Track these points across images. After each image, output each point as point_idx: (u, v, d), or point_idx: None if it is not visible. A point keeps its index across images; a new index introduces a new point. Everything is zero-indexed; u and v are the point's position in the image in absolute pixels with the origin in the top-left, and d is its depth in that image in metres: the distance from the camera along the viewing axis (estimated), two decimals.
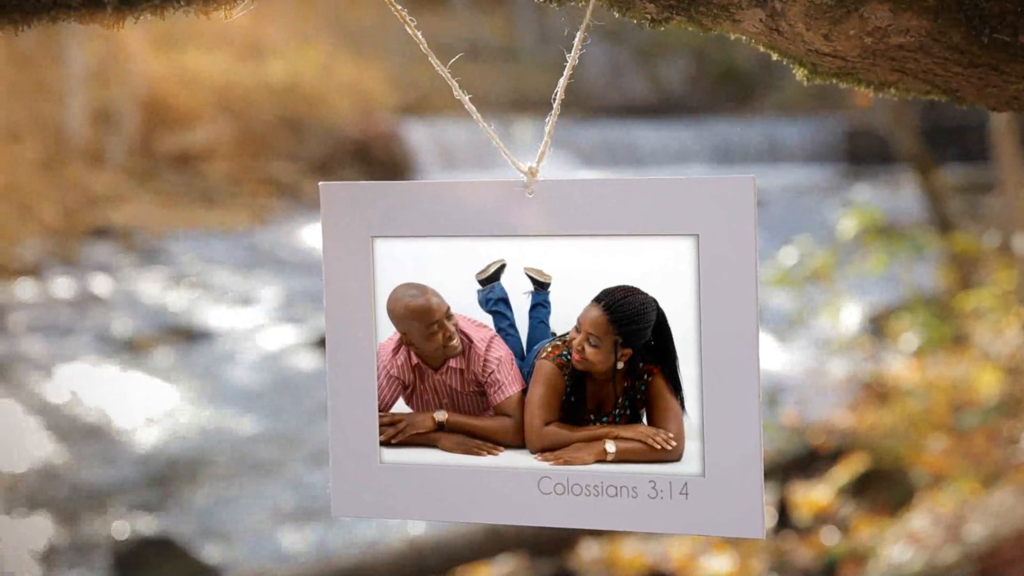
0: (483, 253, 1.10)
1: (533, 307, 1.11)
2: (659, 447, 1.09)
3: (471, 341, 1.13)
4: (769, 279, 7.10)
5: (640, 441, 1.09)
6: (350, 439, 1.15)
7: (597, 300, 1.08)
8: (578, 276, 1.09)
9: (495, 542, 5.82)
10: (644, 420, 1.10)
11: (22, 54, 21.01)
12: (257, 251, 16.58)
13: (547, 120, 1.09)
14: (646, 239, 1.06)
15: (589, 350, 1.09)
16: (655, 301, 1.07)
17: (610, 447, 1.10)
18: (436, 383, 1.14)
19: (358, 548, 6.42)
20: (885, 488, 6.17)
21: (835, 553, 5.62)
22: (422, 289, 1.12)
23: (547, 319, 1.11)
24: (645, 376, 1.09)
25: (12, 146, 19.21)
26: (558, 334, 1.11)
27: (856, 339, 7.52)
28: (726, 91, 26.15)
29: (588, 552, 6.01)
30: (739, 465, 1.06)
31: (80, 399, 9.83)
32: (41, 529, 6.98)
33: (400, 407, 1.15)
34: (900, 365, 7.17)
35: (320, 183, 1.12)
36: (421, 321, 1.12)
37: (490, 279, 1.11)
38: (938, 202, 8.58)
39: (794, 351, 9.64)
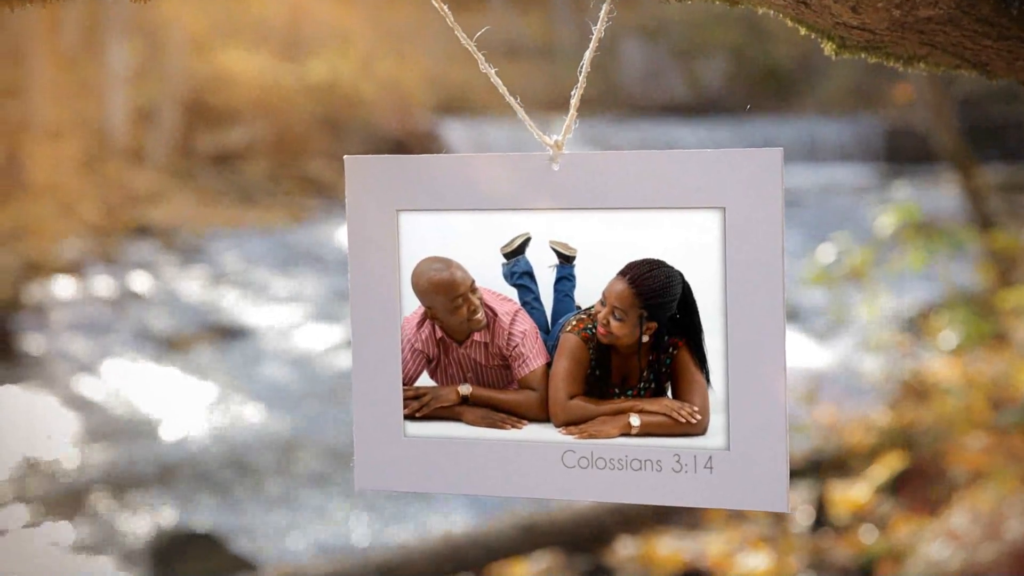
0: (508, 226, 1.10)
1: (558, 280, 1.11)
2: (684, 420, 1.08)
3: (495, 314, 1.13)
4: (806, 277, 7.06)
5: (665, 414, 1.09)
6: (374, 413, 1.15)
7: (622, 273, 1.08)
8: (603, 249, 1.08)
9: (531, 538, 5.82)
10: (669, 393, 1.10)
11: (64, 53, 21.19)
12: (296, 249, 16.64)
13: (573, 93, 1.09)
14: (672, 212, 1.06)
15: (614, 323, 1.09)
16: (681, 274, 1.07)
17: (635, 420, 1.10)
18: (460, 357, 1.14)
19: (394, 544, 6.43)
20: (924, 486, 6.13)
21: (873, 551, 5.58)
22: (447, 263, 1.12)
23: (572, 292, 1.11)
24: (670, 349, 1.09)
25: (53, 145, 19.37)
26: (583, 307, 1.11)
27: (894, 337, 7.47)
28: (765, 90, 26.03)
29: (624, 549, 5.99)
30: (764, 438, 1.06)
31: (119, 396, 9.90)
32: (79, 524, 7.04)
33: (424, 381, 1.15)
34: (939, 363, 7.12)
35: (345, 156, 1.12)
36: (445, 295, 1.12)
37: (515, 252, 1.11)
38: (978, 200, 8.50)
39: (832, 348, 9.59)
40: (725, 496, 1.07)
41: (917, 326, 7.82)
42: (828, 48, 1.12)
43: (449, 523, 6.89)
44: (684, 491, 1.08)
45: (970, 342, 6.67)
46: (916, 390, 6.95)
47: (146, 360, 11.10)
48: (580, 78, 1.08)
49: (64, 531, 6.95)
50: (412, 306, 1.14)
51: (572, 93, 1.09)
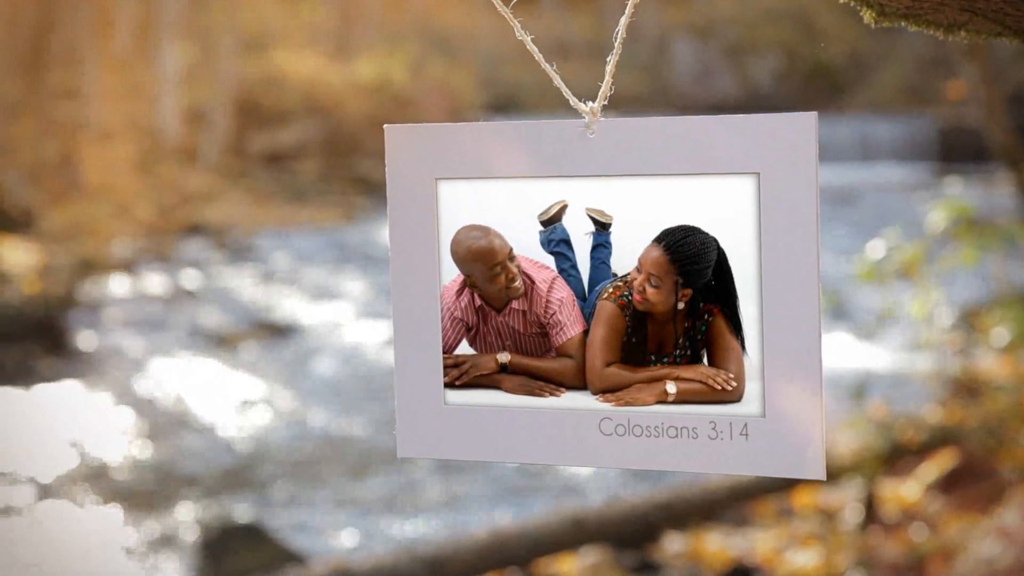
0: (545, 194, 1.10)
1: (594, 248, 1.11)
2: (719, 387, 1.08)
3: (533, 282, 1.13)
4: (857, 273, 7.01)
5: (700, 382, 1.09)
6: (415, 381, 1.15)
7: (658, 240, 1.08)
8: (639, 216, 1.08)
9: (579, 533, 5.80)
10: (704, 360, 1.10)
11: (117, 56, 21.40)
12: (346, 248, 16.73)
13: (608, 59, 1.09)
14: (707, 178, 1.06)
15: (650, 290, 1.09)
16: (715, 241, 1.07)
17: (671, 388, 1.10)
18: (499, 324, 1.15)
19: (440, 538, 6.45)
20: (974, 484, 6.08)
21: (923, 549, 5.54)
22: (485, 231, 1.12)
23: (608, 260, 1.11)
24: (705, 316, 1.09)
25: (108, 146, 19.58)
26: (619, 275, 1.11)
27: (946, 334, 7.40)
28: (816, 88, 25.86)
29: (672, 545, 5.98)
30: (799, 406, 1.05)
31: (170, 392, 9.99)
32: (130, 518, 7.11)
33: (464, 349, 1.16)
34: (990, 360, 7.05)
35: (385, 125, 1.13)
36: (484, 263, 1.13)
37: (552, 220, 1.11)
38: None
39: (882, 346, 9.52)
40: (760, 463, 1.07)
41: (968, 323, 7.74)
42: (867, 16, 1.11)
43: (497, 517, 6.90)
44: (719, 458, 1.08)
45: (1022, 339, 6.60)
46: (967, 388, 6.89)
47: (197, 357, 11.20)
48: (616, 44, 1.08)
49: (115, 525, 7.02)
50: (451, 274, 1.14)
51: (608, 59, 1.09)
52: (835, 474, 6.17)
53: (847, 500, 6.21)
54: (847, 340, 10.11)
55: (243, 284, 14.53)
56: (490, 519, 6.89)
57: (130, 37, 22.28)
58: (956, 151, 21.40)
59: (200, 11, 23.21)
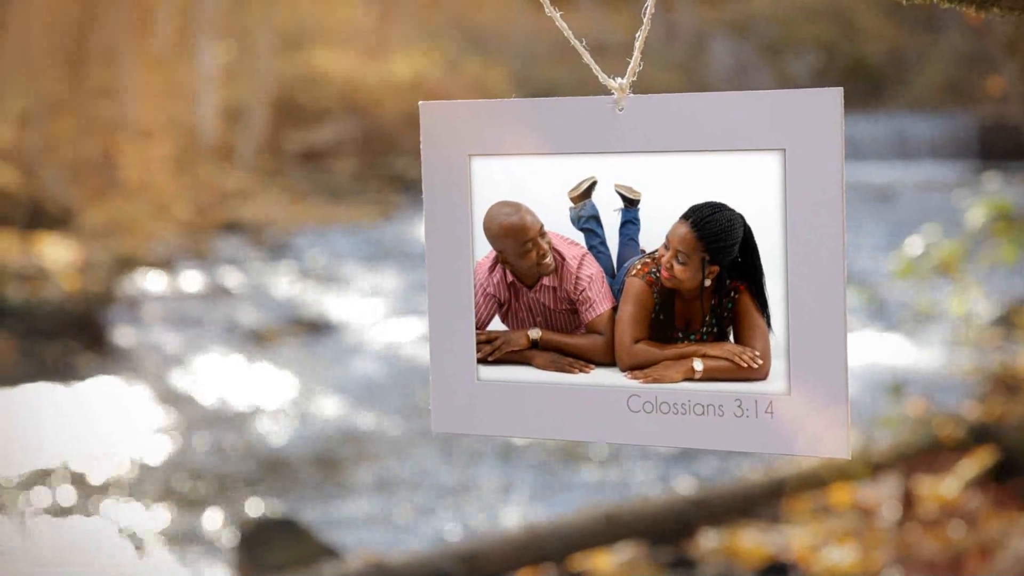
0: (575, 170, 1.11)
1: (623, 224, 1.12)
2: (745, 365, 1.09)
3: (563, 259, 1.14)
4: (895, 269, 6.97)
5: (727, 359, 1.09)
6: (449, 357, 1.17)
7: (685, 217, 1.09)
8: (667, 193, 1.09)
9: (614, 529, 5.80)
10: (731, 338, 1.10)
11: (156, 55, 21.55)
12: (382, 246, 16.79)
13: (637, 35, 1.10)
14: (734, 154, 1.06)
15: (677, 267, 1.09)
16: (742, 217, 1.07)
17: (698, 365, 1.10)
18: (530, 301, 1.16)
19: (477, 533, 6.46)
20: (1014, 481, 6.04)
21: (961, 546, 5.51)
22: (516, 207, 1.13)
23: (637, 236, 1.12)
24: (732, 293, 1.09)
25: (146, 145, 19.71)
26: (647, 251, 1.12)
27: (985, 330, 7.36)
28: (855, 85, 25.72)
29: (707, 541, 5.97)
30: (825, 384, 1.05)
31: (207, 388, 10.06)
32: (168, 513, 7.16)
33: (496, 325, 1.17)
34: None
35: (420, 102, 1.15)
36: (516, 239, 1.13)
37: (582, 196, 1.11)
38: None
39: (922, 343, 9.46)
40: (786, 441, 1.07)
41: (1008, 320, 7.69)
42: None
43: (532, 513, 6.91)
44: (745, 436, 1.08)
45: None
46: (1006, 384, 6.84)
47: (234, 353, 11.26)
48: (644, 20, 1.09)
49: (153, 520, 7.07)
50: (484, 251, 1.16)
51: (636, 35, 1.10)
52: (873, 471, 6.14)
53: (884, 497, 6.18)
54: (886, 337, 10.06)
55: (280, 282, 14.61)
56: (525, 515, 6.90)
57: (169, 36, 22.43)
58: (996, 148, 21.24)
59: (239, 10, 23.34)
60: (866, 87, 25.60)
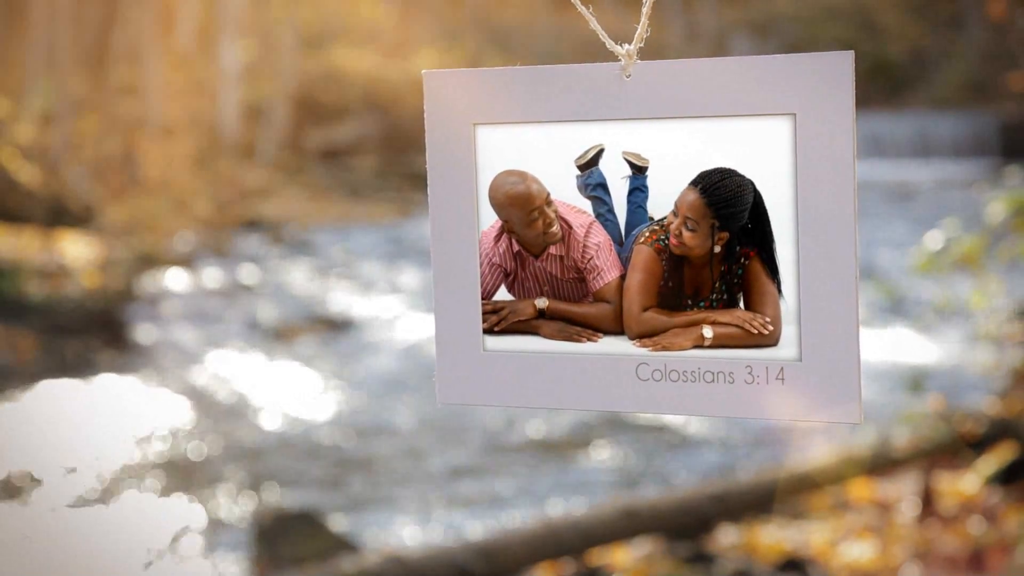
0: (582, 138, 1.10)
1: (631, 192, 1.10)
2: (756, 331, 1.07)
3: (570, 227, 1.12)
4: (915, 264, 6.94)
5: (737, 326, 1.08)
6: (455, 327, 1.16)
7: (694, 183, 1.07)
8: (675, 159, 1.07)
9: (632, 524, 5.79)
10: (741, 304, 1.09)
11: (178, 53, 21.62)
12: (402, 243, 16.81)
13: (645, 1, 1.09)
14: (743, 120, 1.05)
15: (686, 234, 1.08)
16: (752, 183, 1.06)
17: (707, 332, 1.09)
18: (537, 270, 1.14)
19: (494, 528, 6.46)
20: None
21: (981, 542, 5.48)
22: (522, 176, 1.12)
23: (645, 204, 1.10)
24: (742, 260, 1.08)
25: (168, 142, 19.78)
26: (656, 218, 1.11)
27: (1005, 325, 7.32)
28: (877, 84, 25.65)
29: (726, 537, 5.95)
30: (836, 349, 1.04)
31: (227, 384, 10.08)
32: (189, 507, 7.18)
33: (502, 295, 1.15)
34: None
35: (424, 71, 1.14)
36: (522, 208, 1.12)
37: (589, 164, 1.10)
38: None
39: (941, 338, 9.43)
40: (797, 408, 1.06)
41: None
42: None
43: (550, 508, 6.91)
44: (756, 403, 1.07)
45: None
46: None
47: (253, 350, 11.29)
48: None
49: (172, 513, 7.10)
50: (490, 220, 1.14)
51: (644, 1, 1.09)
52: (893, 466, 6.12)
53: (904, 493, 6.16)
54: (906, 333, 10.02)
55: (299, 279, 14.64)
56: (543, 509, 6.90)
57: (192, 34, 22.51)
58: (1017, 145, 21.16)
59: (261, 8, 23.41)
60: (888, 86, 25.52)
